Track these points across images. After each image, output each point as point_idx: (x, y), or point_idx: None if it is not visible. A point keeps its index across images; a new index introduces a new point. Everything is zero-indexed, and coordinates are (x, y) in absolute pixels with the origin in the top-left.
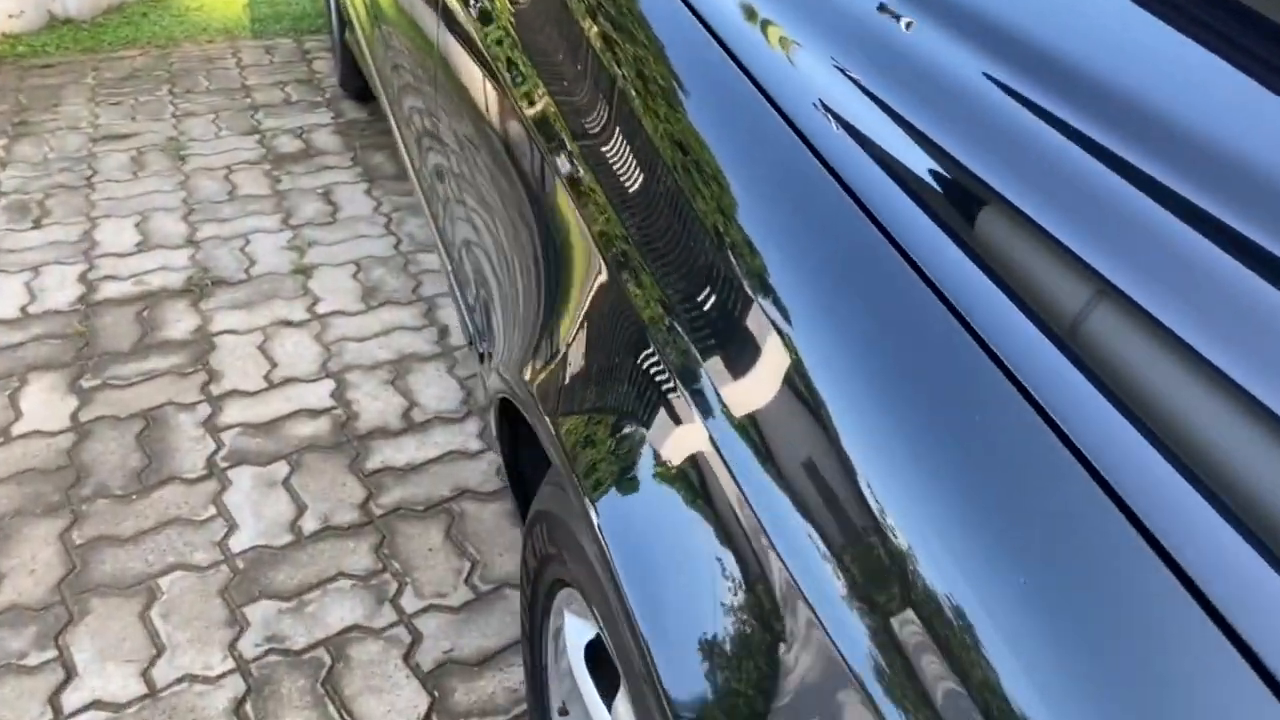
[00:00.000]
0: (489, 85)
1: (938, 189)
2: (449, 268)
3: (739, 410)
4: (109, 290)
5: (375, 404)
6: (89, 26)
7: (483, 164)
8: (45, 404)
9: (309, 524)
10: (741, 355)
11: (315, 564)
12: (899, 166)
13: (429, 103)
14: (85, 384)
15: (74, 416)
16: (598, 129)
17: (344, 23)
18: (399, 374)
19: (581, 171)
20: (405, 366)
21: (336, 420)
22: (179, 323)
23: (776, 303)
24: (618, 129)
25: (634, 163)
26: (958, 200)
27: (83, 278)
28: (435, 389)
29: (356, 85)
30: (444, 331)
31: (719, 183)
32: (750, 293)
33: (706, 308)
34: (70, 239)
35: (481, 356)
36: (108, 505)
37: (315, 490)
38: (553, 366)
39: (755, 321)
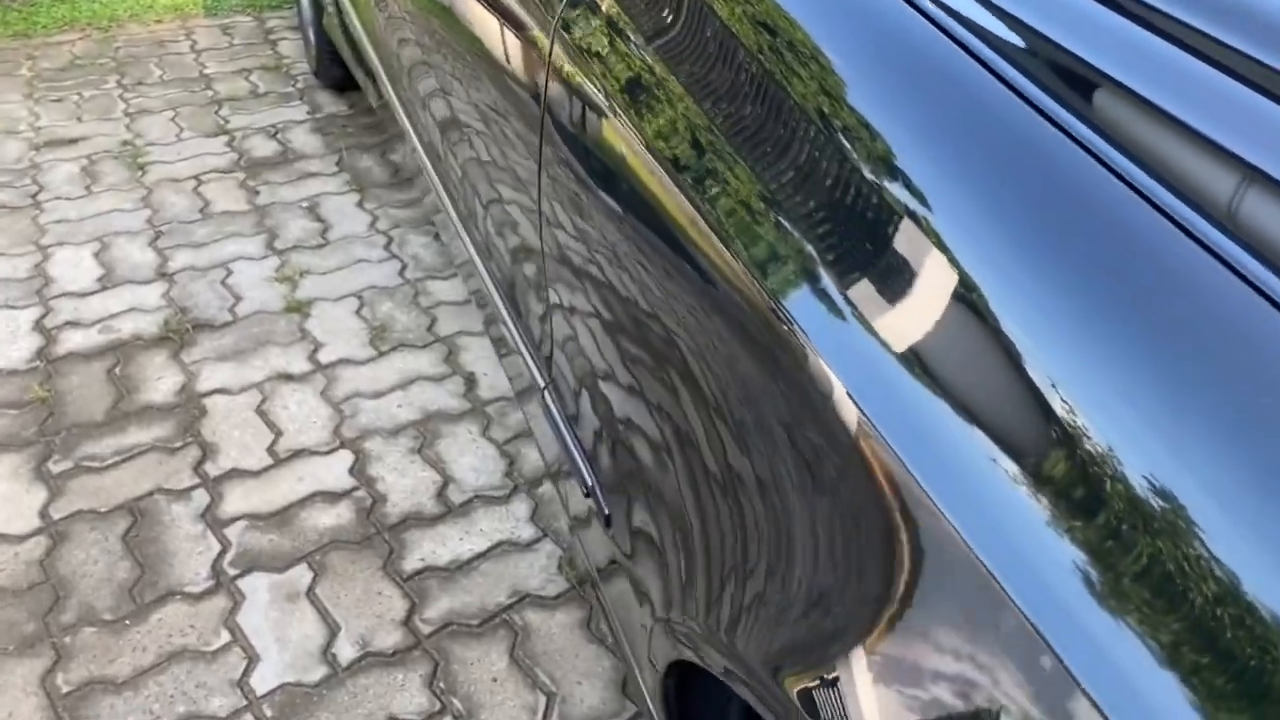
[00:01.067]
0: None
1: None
2: (505, 313)
3: None
4: (72, 341)
5: (403, 482)
6: (19, 6)
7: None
8: (8, 498)
9: (345, 650)
10: None
11: (360, 706)
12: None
13: (470, 92)
14: (54, 468)
15: (44, 513)
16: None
17: (320, 8)
18: (426, 439)
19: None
20: (432, 430)
21: (360, 506)
22: (159, 381)
23: None
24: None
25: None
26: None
27: (38, 325)
28: (470, 458)
29: (334, 75)
30: (470, 381)
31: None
32: None
33: None
34: (19, 275)
35: (606, 521)
36: (97, 636)
37: (347, 603)
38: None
39: None
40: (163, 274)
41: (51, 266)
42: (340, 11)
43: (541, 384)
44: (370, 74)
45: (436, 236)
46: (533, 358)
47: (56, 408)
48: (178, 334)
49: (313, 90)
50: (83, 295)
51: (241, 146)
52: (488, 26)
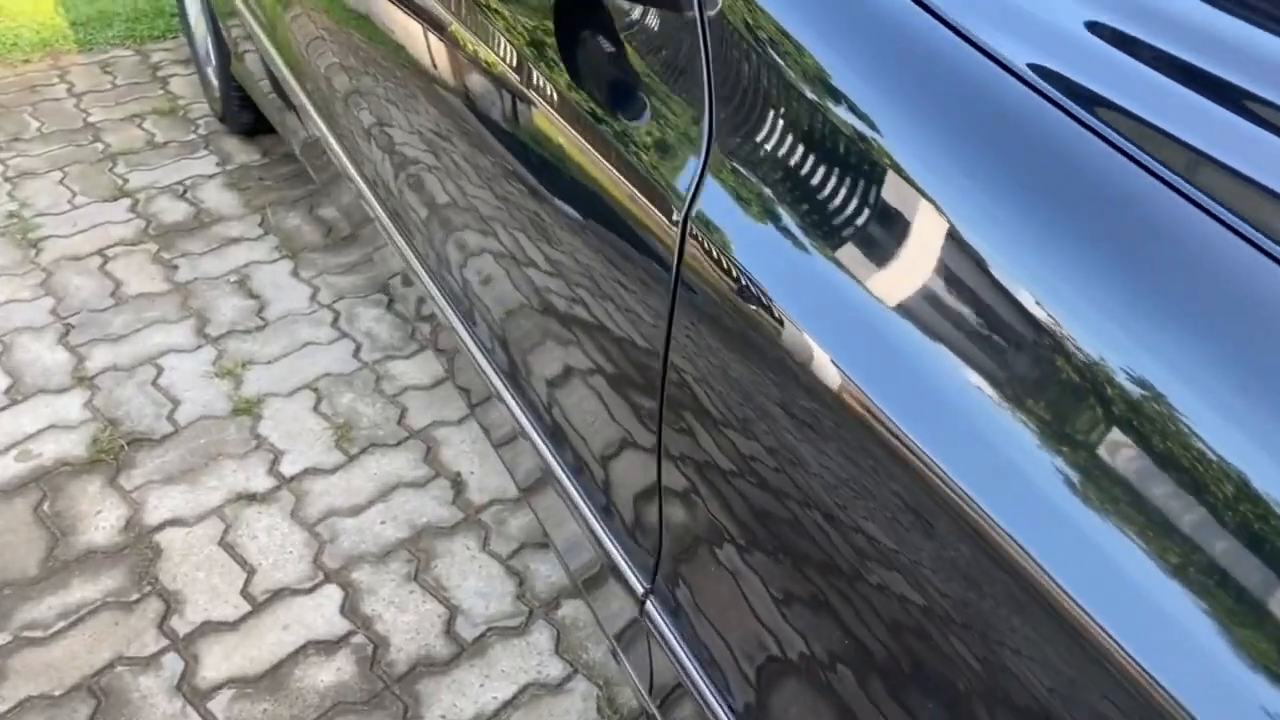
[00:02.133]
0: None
1: None
2: (515, 407)
3: None
4: None
5: (404, 618)
6: None
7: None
8: None
9: None
10: None
11: None
12: None
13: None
14: None
15: None
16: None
17: (226, 51)
18: (421, 562)
19: None
20: (425, 549)
21: (361, 654)
22: (98, 516)
23: None
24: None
25: None
26: None
27: None
28: (474, 580)
29: (244, 120)
30: (458, 484)
31: None
32: None
33: None
34: None
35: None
36: None
37: None
38: None
39: None
40: (81, 378)
41: None
42: (260, 50)
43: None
44: (297, 115)
45: (390, 306)
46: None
47: None
48: (111, 453)
49: (218, 136)
50: None
51: (147, 211)
52: (466, 42)
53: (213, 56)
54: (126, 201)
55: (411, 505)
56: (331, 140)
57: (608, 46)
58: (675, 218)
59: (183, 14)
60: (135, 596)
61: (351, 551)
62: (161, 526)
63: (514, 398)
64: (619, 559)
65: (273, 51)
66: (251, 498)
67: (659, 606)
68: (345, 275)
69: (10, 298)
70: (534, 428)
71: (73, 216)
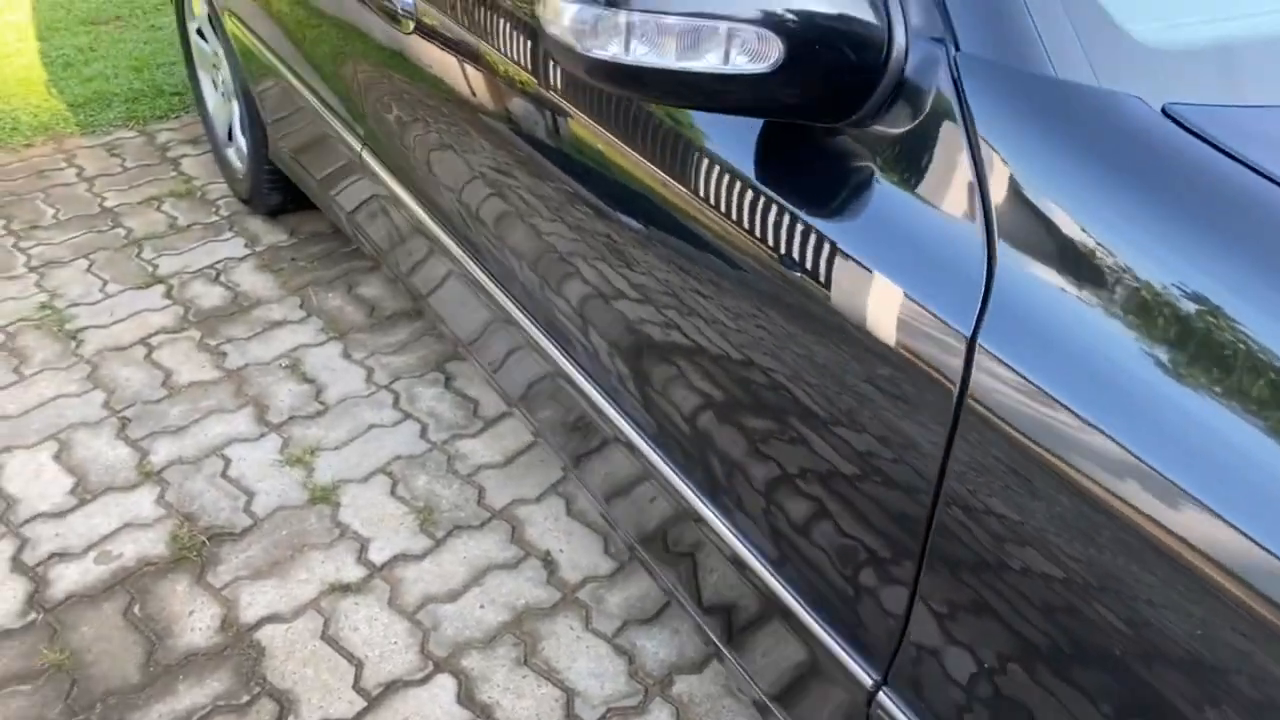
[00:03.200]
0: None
1: None
2: (728, 529)
3: None
4: (67, 578)
5: (522, 705)
6: None
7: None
8: None
9: None
10: None
11: None
12: None
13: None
14: None
15: None
16: None
17: (261, 131)
18: (528, 645)
19: None
20: (530, 631)
21: None
22: (192, 616)
23: None
24: None
25: None
26: None
27: (17, 564)
28: (584, 661)
29: (273, 201)
30: (549, 564)
31: None
32: None
33: None
34: None
35: None
36: None
37: None
38: None
39: None
40: (147, 473)
41: (6, 481)
42: (317, 126)
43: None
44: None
45: (448, 384)
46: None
47: (79, 672)
48: (194, 550)
49: (241, 217)
50: (59, 515)
51: (183, 296)
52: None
53: (241, 138)
54: (160, 288)
55: (507, 587)
56: (453, 245)
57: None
58: (963, 338)
59: (198, 96)
60: (246, 699)
61: (456, 638)
62: (259, 624)
63: (723, 519)
64: (838, 650)
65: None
66: (346, 588)
67: (894, 697)
68: (398, 355)
69: (59, 392)
70: (752, 552)
71: (108, 305)
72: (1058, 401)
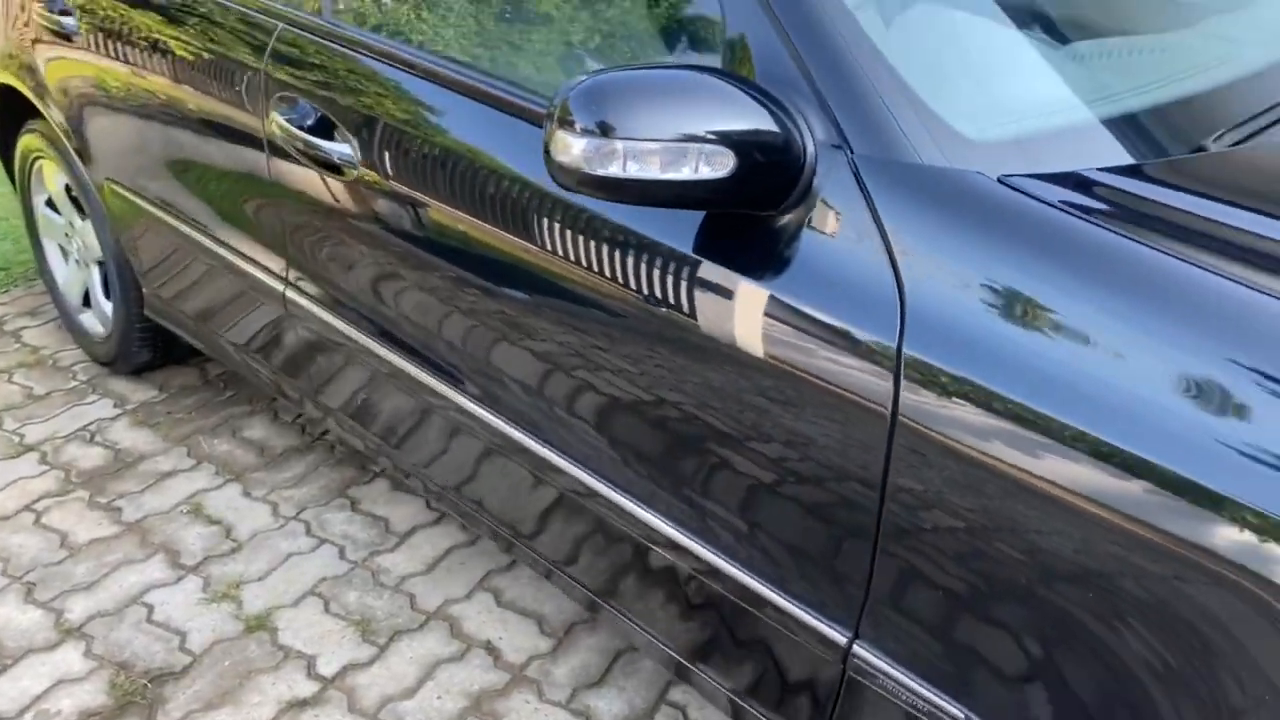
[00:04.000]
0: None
1: None
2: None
3: None
4: None
5: None
6: None
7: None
8: None
9: None
10: None
11: None
12: None
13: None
14: None
15: None
16: None
17: (136, 289)
18: None
19: None
20: (490, 711)
21: None
22: None
23: None
24: None
25: None
26: None
27: None
28: None
29: (142, 359)
30: (492, 650)
31: None
32: None
33: None
34: None
35: None
36: None
37: None
38: None
39: None
40: (67, 631)
41: None
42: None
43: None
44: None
45: (354, 507)
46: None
47: None
48: (137, 694)
49: (102, 379)
50: None
51: (60, 460)
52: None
53: (103, 302)
54: (33, 455)
55: (459, 677)
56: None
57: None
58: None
59: (43, 267)
60: None
61: None
62: None
63: (696, 539)
64: (809, 618)
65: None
66: (303, 703)
67: (869, 647)
68: (298, 488)
69: None
70: (727, 560)
71: None
72: (966, 380)
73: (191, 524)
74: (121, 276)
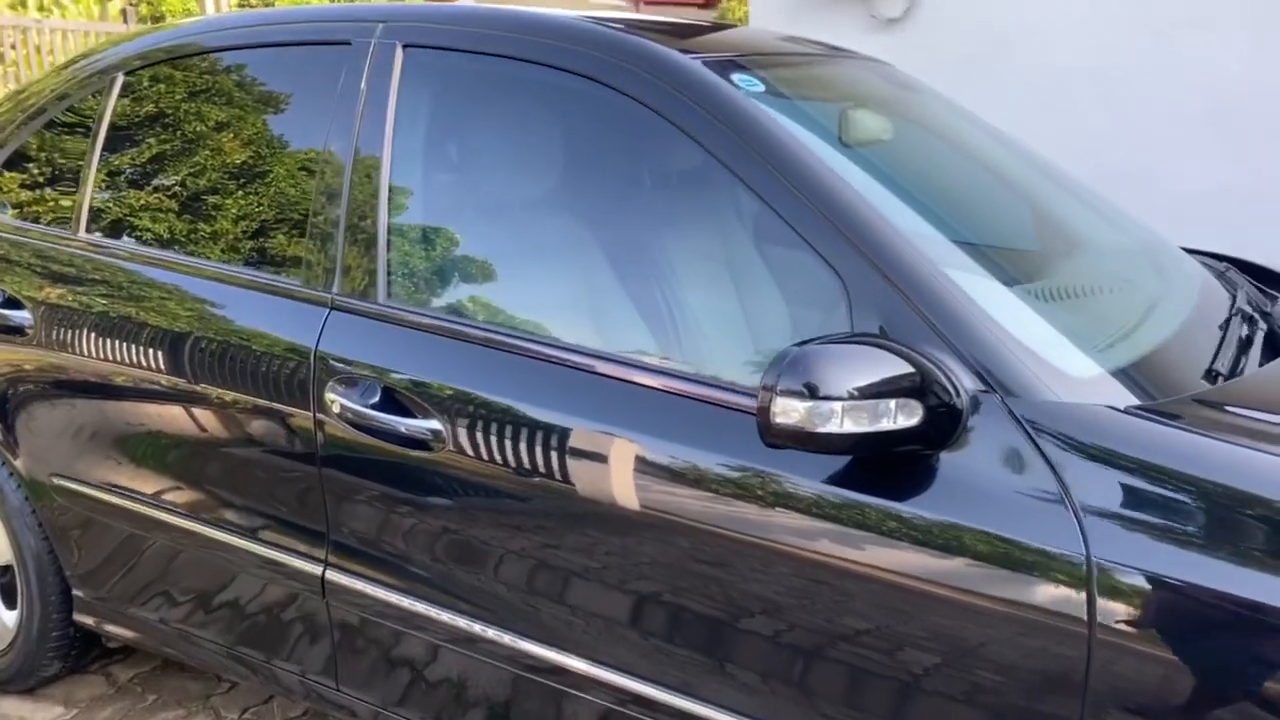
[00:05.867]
0: None
1: None
2: None
3: None
4: None
5: None
6: None
7: None
8: None
9: None
10: None
11: None
12: None
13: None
14: None
15: None
16: None
17: (60, 591)
18: None
19: None
20: None
21: None
22: None
23: None
24: None
25: None
26: None
27: None
28: None
29: (51, 671)
30: None
31: None
32: None
33: None
34: None
35: None
36: None
37: None
38: None
39: None
40: None
41: None
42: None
43: None
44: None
45: None
46: None
47: None
48: None
49: None
50: None
51: None
52: None
53: (4, 615)
54: None
55: None
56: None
57: None
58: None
59: None
60: None
61: None
62: None
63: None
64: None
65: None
66: None
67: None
68: None
69: None
70: None
71: None
72: (1157, 578)
73: None
74: (41, 580)
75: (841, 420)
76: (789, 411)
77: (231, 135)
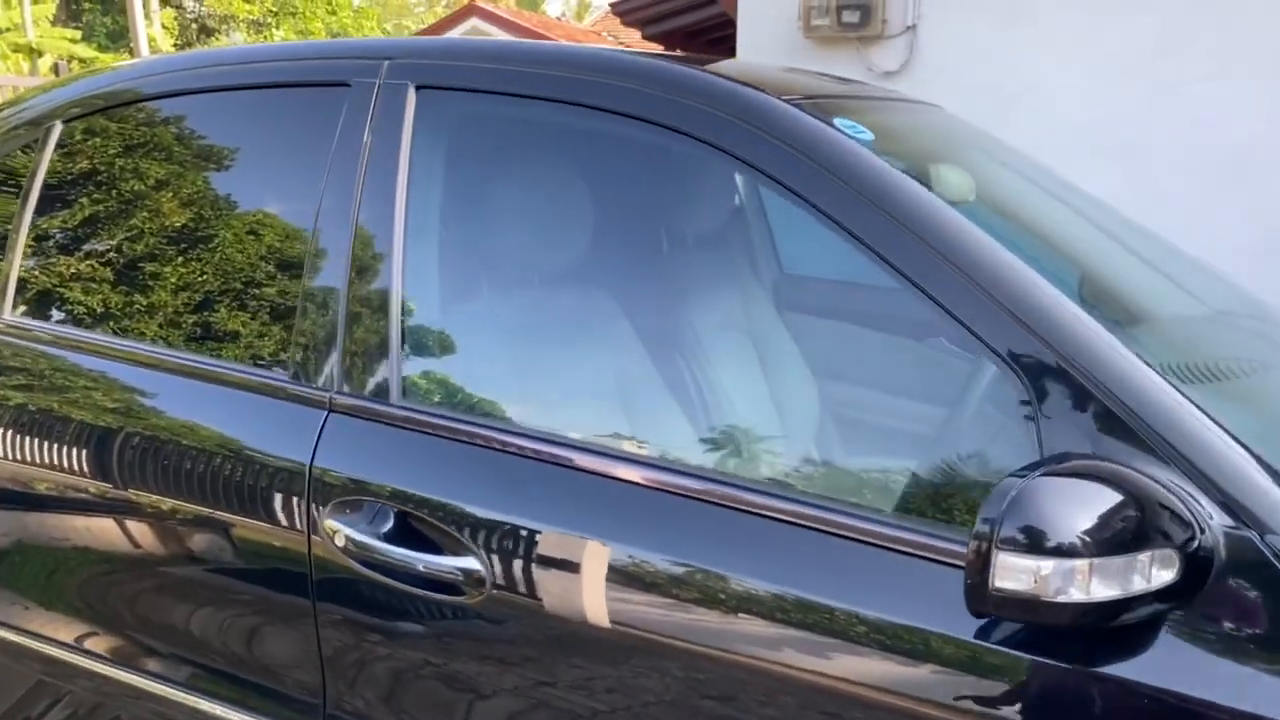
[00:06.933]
0: None
1: None
2: None
3: None
4: None
5: None
6: None
7: None
8: None
9: None
10: None
11: None
12: None
13: None
14: None
15: None
16: None
17: None
18: None
19: None
20: None
21: None
22: None
23: None
24: None
25: None
26: None
27: None
28: None
29: None
30: None
31: None
32: None
33: None
34: None
35: None
36: None
37: None
38: None
39: None
40: None
41: None
42: None
43: None
44: None
45: None
46: None
47: None
48: None
49: None
50: None
51: None
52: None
53: None
54: None
55: None
56: None
57: None
58: None
59: None
60: None
61: None
62: None
63: None
64: None
65: None
66: None
67: None
68: None
69: None
70: None
71: None
72: None
73: None
74: None
75: (1089, 584)
76: (1016, 572)
77: (198, 199)
